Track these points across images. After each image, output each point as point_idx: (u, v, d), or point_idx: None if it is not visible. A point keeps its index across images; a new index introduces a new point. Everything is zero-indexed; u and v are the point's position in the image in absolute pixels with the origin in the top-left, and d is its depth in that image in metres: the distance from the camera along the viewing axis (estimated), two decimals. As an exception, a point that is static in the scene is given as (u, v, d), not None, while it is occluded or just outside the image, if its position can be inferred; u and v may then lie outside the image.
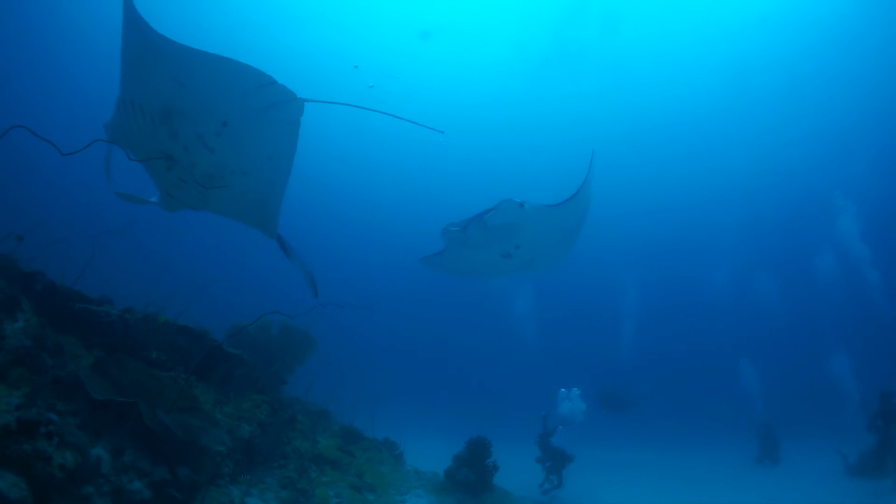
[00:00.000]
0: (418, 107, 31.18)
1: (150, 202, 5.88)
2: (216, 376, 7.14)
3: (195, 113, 4.65)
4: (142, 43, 4.42)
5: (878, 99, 27.22)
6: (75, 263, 6.07)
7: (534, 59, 28.81)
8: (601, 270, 31.63)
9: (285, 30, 28.65)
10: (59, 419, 4.24)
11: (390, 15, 27.87)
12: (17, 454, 3.54)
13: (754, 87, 28.16)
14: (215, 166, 5.02)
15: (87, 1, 26.03)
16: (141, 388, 5.43)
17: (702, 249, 32.15)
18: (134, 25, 4.39)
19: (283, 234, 6.01)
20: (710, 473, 12.13)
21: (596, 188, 7.07)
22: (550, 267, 7.57)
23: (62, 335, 5.41)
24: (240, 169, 5.10)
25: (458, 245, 6.81)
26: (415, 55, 29.62)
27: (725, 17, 25.68)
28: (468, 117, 31.52)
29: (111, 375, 5.27)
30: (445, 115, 31.60)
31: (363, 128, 31.29)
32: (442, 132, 5.44)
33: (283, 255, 6.07)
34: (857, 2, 23.87)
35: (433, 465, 8.73)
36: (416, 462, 9.05)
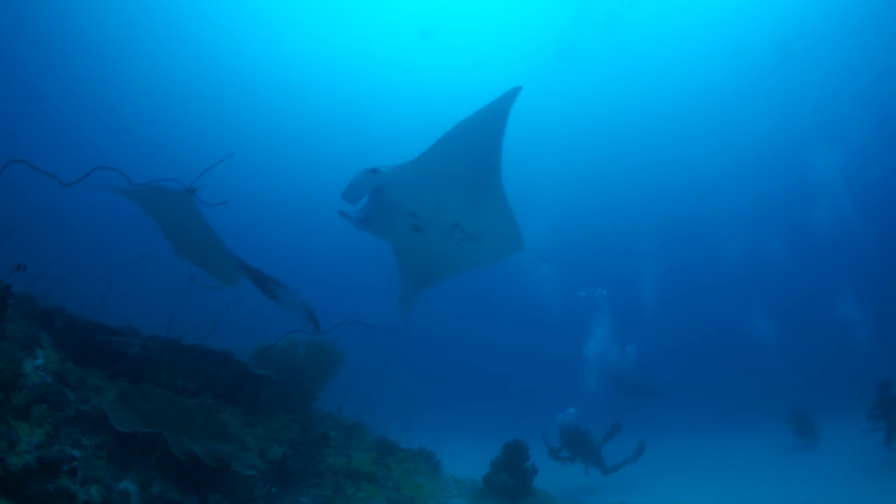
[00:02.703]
0: (427, 105, 31.49)
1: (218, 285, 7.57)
2: (244, 398, 7.08)
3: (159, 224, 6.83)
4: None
5: (875, 64, 26.92)
6: (95, 296, 6.06)
7: (540, 57, 28.84)
8: (622, 263, 31.36)
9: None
10: (84, 455, 4.19)
11: (393, 14, 28.08)
12: (39, 494, 3.48)
13: (753, 66, 28.20)
14: (195, 248, 6.93)
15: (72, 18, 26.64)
16: (167, 417, 5.38)
17: (714, 230, 31.97)
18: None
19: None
20: (752, 462, 11.64)
21: (510, 135, 6.47)
22: (505, 239, 7.15)
23: (86, 369, 5.38)
24: (199, 246, 6.92)
25: (366, 227, 6.79)
26: (420, 53, 29.85)
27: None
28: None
29: (136, 406, 5.23)
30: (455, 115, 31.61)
31: (376, 138, 31.57)
32: (232, 154, 5.99)
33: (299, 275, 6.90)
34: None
35: (472, 471, 8.55)
36: (454, 470, 8.87)
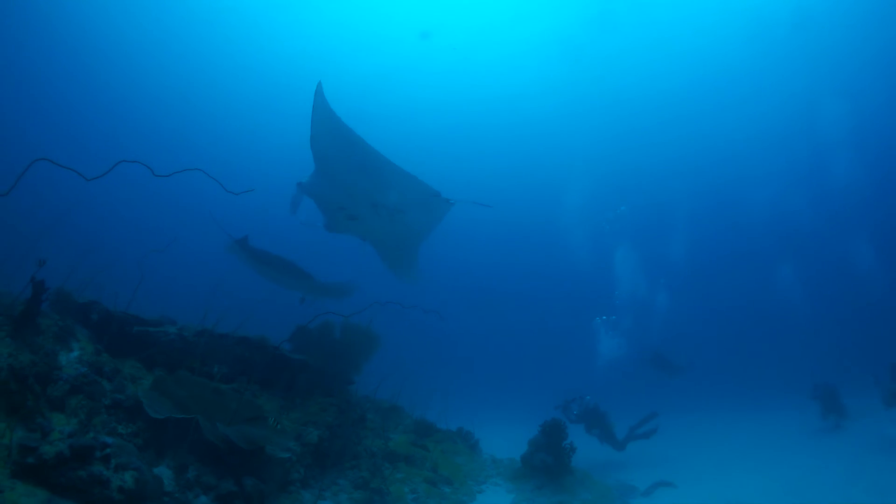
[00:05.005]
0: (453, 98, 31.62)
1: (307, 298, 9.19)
2: (280, 383, 7.18)
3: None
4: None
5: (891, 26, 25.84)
6: (129, 288, 6.21)
7: (565, 44, 28.86)
8: (654, 231, 31.08)
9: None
10: (118, 442, 4.29)
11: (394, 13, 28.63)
12: (72, 481, 3.58)
13: (774, 34, 27.65)
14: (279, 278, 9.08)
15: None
16: (202, 403, 5.48)
17: (741, 197, 31.72)
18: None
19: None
20: (781, 442, 11.05)
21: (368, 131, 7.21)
22: (427, 200, 7.73)
23: (122, 359, 5.52)
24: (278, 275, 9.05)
25: (331, 229, 8.11)
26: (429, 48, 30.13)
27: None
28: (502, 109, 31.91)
29: (172, 393, 5.35)
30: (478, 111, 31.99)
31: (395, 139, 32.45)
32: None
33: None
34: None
35: (510, 451, 8.51)
36: (492, 450, 8.84)
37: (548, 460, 7.57)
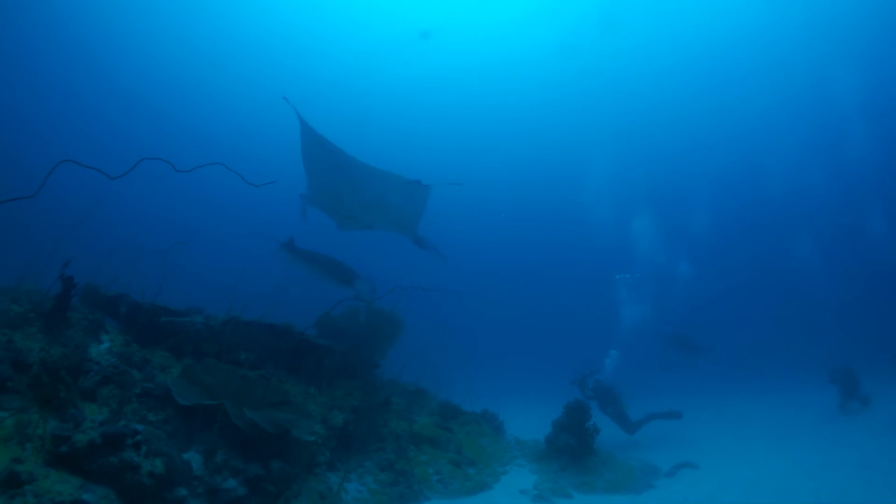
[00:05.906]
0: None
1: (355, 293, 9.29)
2: (306, 368, 7.33)
3: None
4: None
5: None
6: (156, 280, 6.39)
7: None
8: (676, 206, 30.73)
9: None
10: (148, 429, 4.47)
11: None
12: (104, 467, 3.75)
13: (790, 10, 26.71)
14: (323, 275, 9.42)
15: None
16: (230, 390, 5.65)
17: (760, 171, 30.94)
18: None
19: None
20: (805, 425, 10.72)
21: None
22: (404, 189, 8.39)
23: (151, 349, 5.71)
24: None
25: (341, 228, 9.13)
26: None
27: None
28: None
29: (200, 381, 5.53)
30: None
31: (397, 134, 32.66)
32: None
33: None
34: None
35: (534, 432, 8.57)
36: (517, 431, 8.92)
37: (571, 441, 7.63)
